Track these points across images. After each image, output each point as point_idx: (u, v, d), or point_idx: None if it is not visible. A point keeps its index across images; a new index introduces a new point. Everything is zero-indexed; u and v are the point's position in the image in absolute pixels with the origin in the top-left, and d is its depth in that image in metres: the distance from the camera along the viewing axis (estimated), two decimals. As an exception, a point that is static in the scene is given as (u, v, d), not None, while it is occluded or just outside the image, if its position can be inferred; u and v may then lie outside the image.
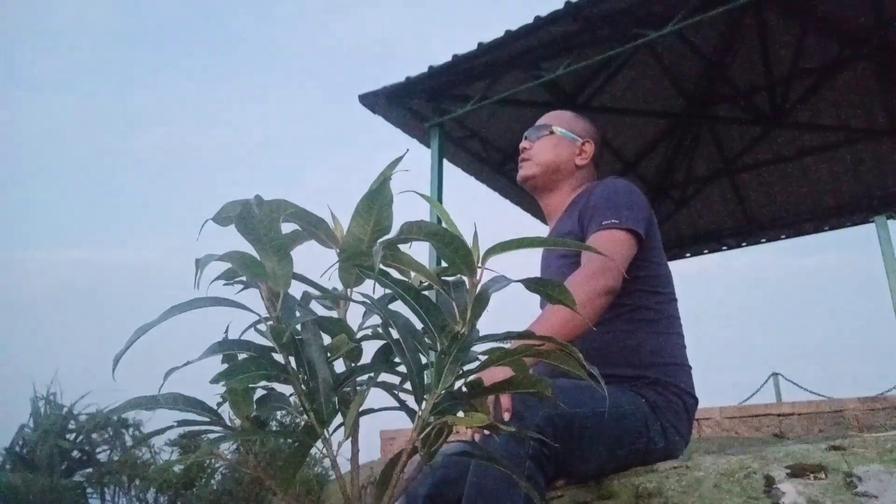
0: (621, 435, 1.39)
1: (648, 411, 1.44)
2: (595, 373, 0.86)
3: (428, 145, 5.57)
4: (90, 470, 7.78)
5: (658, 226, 1.66)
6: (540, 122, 1.84)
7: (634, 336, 1.51)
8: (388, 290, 0.90)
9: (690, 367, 1.58)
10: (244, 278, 0.90)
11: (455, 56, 5.07)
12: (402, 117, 5.60)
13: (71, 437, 8.18)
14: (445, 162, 5.65)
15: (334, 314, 0.97)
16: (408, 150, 0.91)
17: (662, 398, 1.46)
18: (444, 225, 0.90)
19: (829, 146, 6.90)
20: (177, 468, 5.79)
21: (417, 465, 0.89)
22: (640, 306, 1.54)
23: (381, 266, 0.88)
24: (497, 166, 6.33)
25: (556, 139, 1.77)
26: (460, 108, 5.42)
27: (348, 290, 0.94)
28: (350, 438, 0.89)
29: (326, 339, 0.90)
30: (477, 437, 1.28)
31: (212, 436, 0.86)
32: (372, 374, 0.93)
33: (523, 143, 1.83)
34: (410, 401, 0.88)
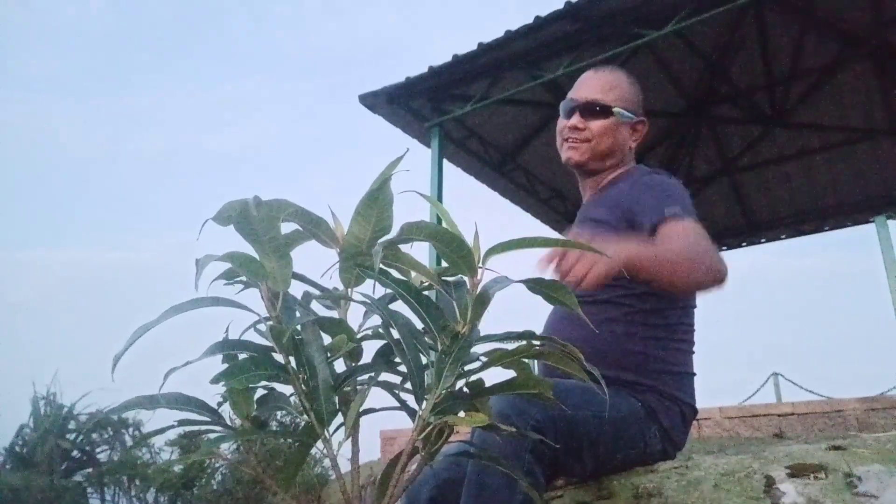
0: (618, 440, 1.37)
1: (645, 417, 1.41)
2: (596, 374, 0.85)
3: (428, 145, 5.56)
4: (90, 470, 7.79)
5: None
6: (595, 94, 1.57)
7: (641, 342, 1.45)
8: (388, 290, 0.90)
9: (694, 374, 1.53)
10: (244, 278, 0.89)
11: (455, 56, 5.07)
12: (402, 117, 5.60)
13: (71, 437, 8.18)
14: (445, 162, 5.65)
15: (334, 314, 0.97)
16: (408, 149, 0.91)
17: (660, 404, 1.44)
18: (444, 225, 0.90)
19: (829, 146, 6.90)
20: (177, 468, 5.79)
21: (418, 466, 0.89)
22: (653, 312, 1.47)
23: (382, 266, 0.88)
24: (497, 166, 6.33)
25: (616, 123, 1.57)
26: (460, 108, 5.42)
27: (349, 290, 0.94)
28: (350, 438, 0.89)
29: (326, 339, 0.90)
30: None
31: (212, 436, 0.86)
32: (372, 374, 0.93)
33: (574, 121, 1.56)
34: (411, 401, 0.87)
